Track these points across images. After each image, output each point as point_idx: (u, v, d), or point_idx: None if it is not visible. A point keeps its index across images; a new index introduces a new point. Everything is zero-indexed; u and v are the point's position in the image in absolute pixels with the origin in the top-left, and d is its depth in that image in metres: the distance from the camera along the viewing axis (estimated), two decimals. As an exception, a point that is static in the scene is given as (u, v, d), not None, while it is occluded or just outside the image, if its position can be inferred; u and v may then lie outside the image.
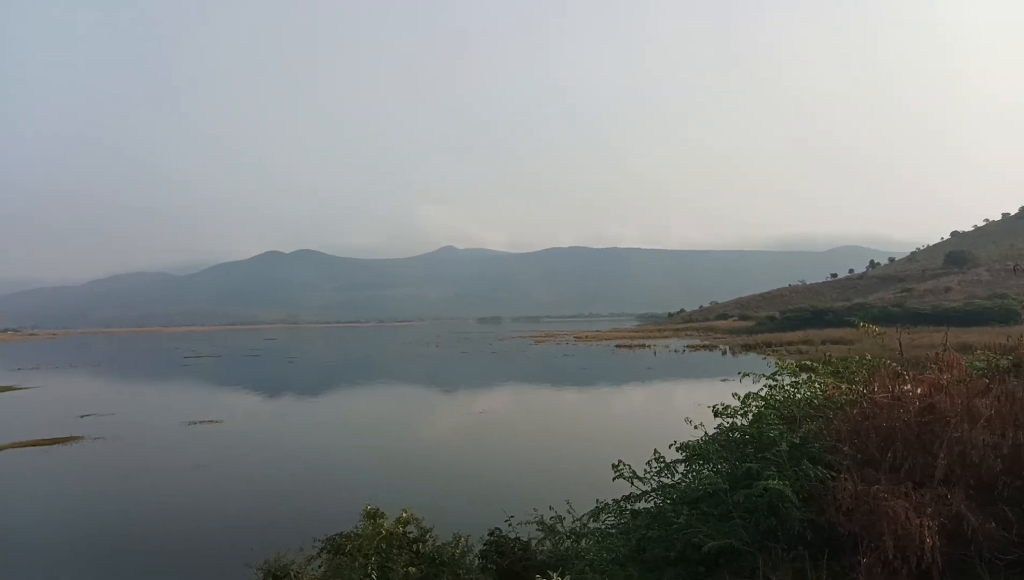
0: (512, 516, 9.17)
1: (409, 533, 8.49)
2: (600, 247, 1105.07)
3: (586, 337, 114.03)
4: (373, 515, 8.51)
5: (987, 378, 6.41)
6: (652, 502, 7.12)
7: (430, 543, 8.58)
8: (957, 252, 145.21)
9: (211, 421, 33.15)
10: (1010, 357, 7.34)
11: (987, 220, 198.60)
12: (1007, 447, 5.20)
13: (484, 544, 8.93)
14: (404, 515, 8.59)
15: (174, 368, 78.17)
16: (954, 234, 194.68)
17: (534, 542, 8.82)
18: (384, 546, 8.12)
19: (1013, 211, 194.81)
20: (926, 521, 4.71)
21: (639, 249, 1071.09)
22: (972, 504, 4.99)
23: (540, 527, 8.94)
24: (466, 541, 8.91)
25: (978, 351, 8.49)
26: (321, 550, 8.65)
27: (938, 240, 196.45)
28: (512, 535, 8.98)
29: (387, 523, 8.40)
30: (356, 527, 8.59)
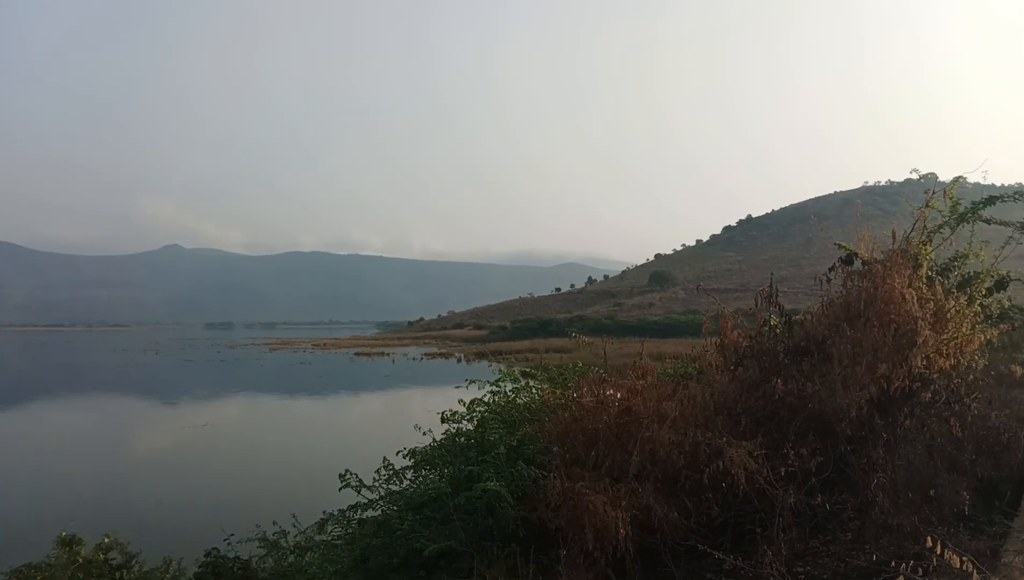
0: (232, 534, 8.61)
1: (112, 560, 7.67)
2: (343, 253, 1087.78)
3: (324, 345, 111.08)
4: (68, 542, 7.55)
5: (675, 383, 7.25)
6: (380, 510, 7.09)
7: (136, 569, 7.80)
8: (659, 272, 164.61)
9: None
10: (694, 365, 8.40)
11: (684, 245, 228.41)
12: (688, 444, 5.88)
13: (199, 566, 8.25)
14: (107, 540, 7.77)
15: None
16: (657, 256, 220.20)
17: (255, 560, 8.35)
18: (81, 575, 7.20)
19: (705, 238, 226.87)
20: (621, 513, 5.19)
21: (382, 257, 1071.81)
22: (659, 496, 5.59)
23: (262, 543, 8.50)
24: (179, 564, 8.24)
25: (668, 359, 9.63)
26: (3, 586, 7.45)
27: (644, 261, 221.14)
28: (232, 554, 8.40)
29: (85, 550, 7.49)
30: (48, 556, 7.52)
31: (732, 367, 7.04)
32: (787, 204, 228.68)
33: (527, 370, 8.96)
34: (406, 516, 6.32)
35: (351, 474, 7.09)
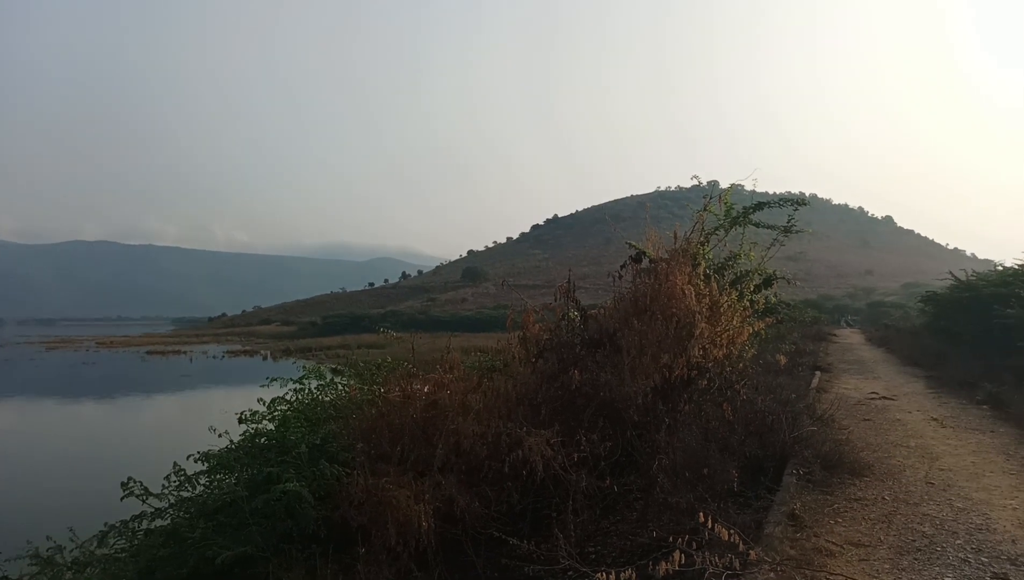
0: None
1: None
2: (133, 243, 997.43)
3: (111, 343, 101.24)
4: None
5: (480, 376, 7.43)
6: (169, 519, 6.62)
7: None
8: (472, 268, 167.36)
9: None
10: (500, 358, 8.66)
11: (496, 242, 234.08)
12: (491, 435, 6.06)
13: None
14: None
15: None
16: (470, 252, 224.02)
17: (26, 579, 7.48)
18: None
19: (515, 236, 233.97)
20: (424, 506, 5.24)
21: (179, 248, 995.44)
22: (463, 487, 5.71)
23: (35, 561, 7.61)
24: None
25: (477, 353, 9.85)
26: None
27: (458, 257, 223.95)
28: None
29: None
30: None
31: (533, 359, 7.34)
32: (590, 205, 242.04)
33: (336, 367, 8.76)
34: (198, 523, 5.97)
35: (135, 482, 6.56)
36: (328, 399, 7.59)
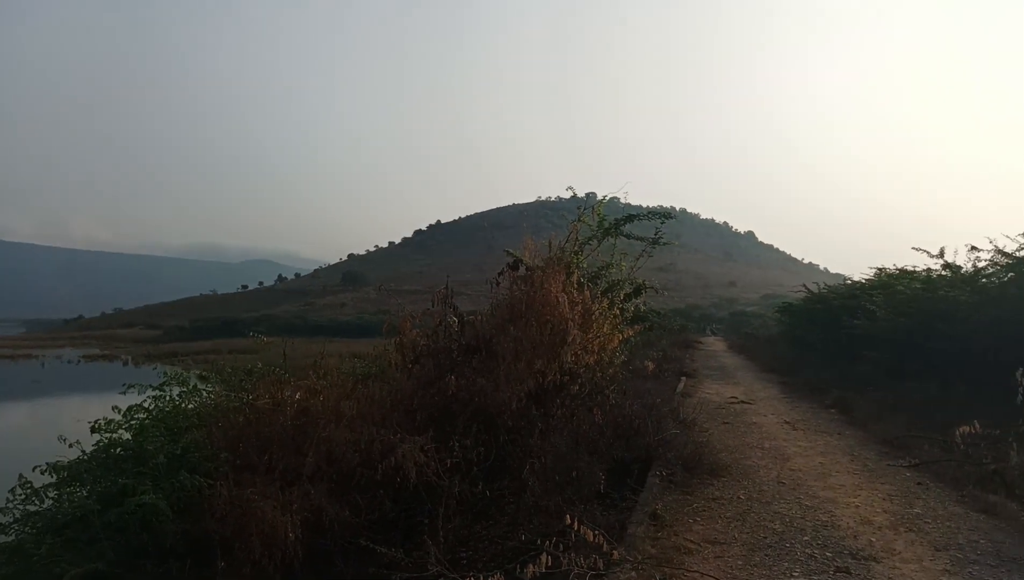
0: None
1: None
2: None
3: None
4: None
5: (355, 382, 7.32)
6: (14, 535, 6.11)
7: None
8: (352, 272, 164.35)
9: None
10: (376, 364, 8.56)
11: (378, 246, 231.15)
12: (364, 442, 5.98)
13: None
14: None
15: None
16: (351, 256, 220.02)
17: None
18: None
19: (397, 241, 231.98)
20: (291, 517, 5.10)
21: (31, 245, 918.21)
22: (333, 497, 5.59)
23: None
24: None
25: (349, 359, 9.68)
26: None
27: (338, 260, 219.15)
28: None
29: None
30: None
31: (410, 365, 7.31)
32: (473, 212, 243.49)
33: (202, 373, 8.37)
34: (44, 539, 5.56)
35: (-30, 498, 6.02)
36: (192, 407, 7.24)
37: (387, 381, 7.28)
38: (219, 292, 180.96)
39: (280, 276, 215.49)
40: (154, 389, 7.35)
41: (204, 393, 7.41)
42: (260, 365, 8.07)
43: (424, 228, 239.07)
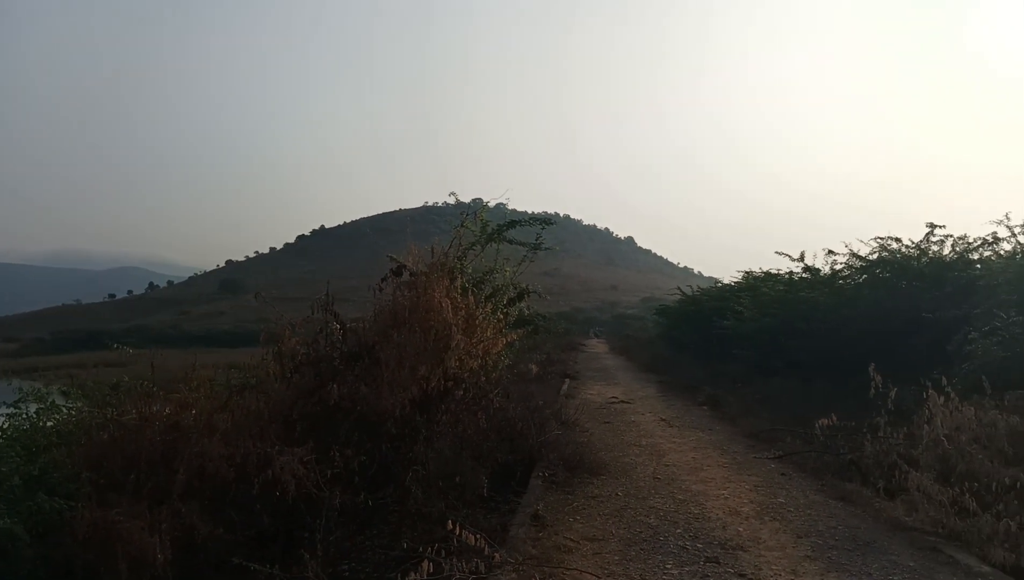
0: None
1: None
2: None
3: None
4: None
5: (231, 394, 7.03)
6: None
7: None
8: (231, 279, 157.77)
9: None
10: (253, 374, 8.25)
11: (257, 252, 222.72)
12: (240, 456, 5.76)
13: None
14: None
15: None
16: (229, 262, 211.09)
17: None
18: None
19: (279, 246, 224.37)
20: (160, 538, 4.85)
21: None
22: (207, 514, 5.35)
23: None
24: None
25: (226, 370, 9.30)
26: None
27: (215, 267, 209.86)
28: None
29: None
30: None
31: (289, 375, 7.11)
32: (359, 217, 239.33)
33: (64, 388, 7.85)
34: None
35: None
36: (51, 424, 6.76)
37: (265, 392, 7.04)
38: (83, 301, 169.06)
39: (151, 284, 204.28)
40: (8, 406, 6.84)
41: (65, 410, 6.93)
42: (127, 379, 7.63)
43: (308, 233, 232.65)
